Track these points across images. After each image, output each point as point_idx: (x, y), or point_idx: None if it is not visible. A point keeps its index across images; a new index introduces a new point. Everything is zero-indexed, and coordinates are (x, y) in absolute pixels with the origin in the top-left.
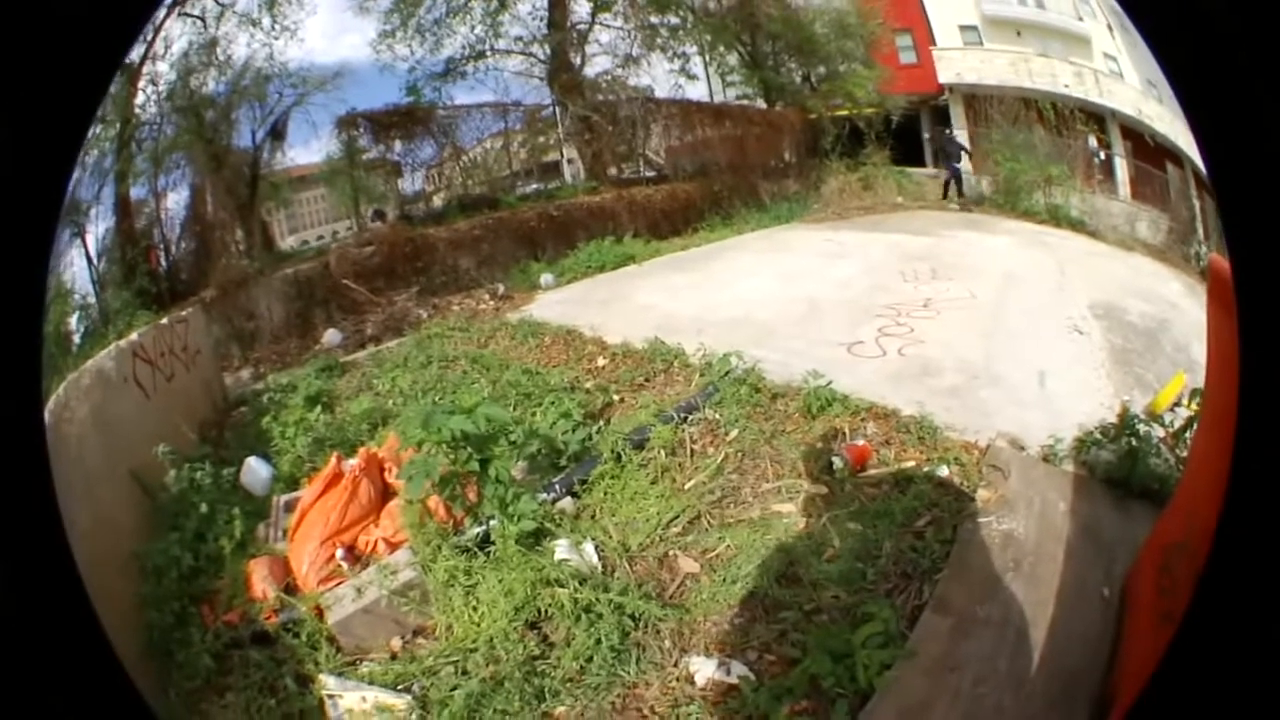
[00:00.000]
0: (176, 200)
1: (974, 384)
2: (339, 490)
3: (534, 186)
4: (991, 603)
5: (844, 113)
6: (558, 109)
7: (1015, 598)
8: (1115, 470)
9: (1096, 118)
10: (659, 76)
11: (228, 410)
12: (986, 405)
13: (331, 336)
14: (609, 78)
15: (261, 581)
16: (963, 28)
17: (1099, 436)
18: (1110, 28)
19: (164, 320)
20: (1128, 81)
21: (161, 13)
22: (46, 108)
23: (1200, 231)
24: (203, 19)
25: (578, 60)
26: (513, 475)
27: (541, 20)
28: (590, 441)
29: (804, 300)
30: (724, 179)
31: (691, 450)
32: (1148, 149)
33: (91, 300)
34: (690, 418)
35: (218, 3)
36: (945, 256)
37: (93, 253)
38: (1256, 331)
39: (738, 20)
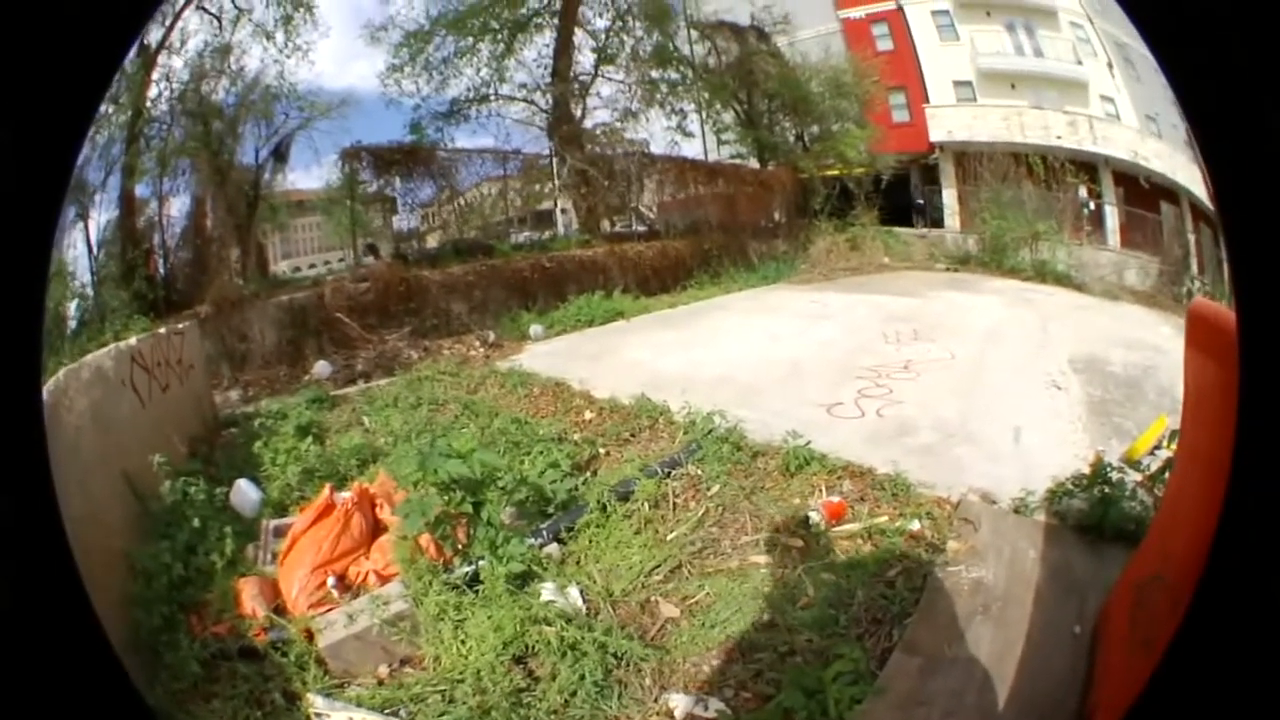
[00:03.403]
0: (179, 207)
1: (948, 442)
2: (331, 521)
3: (527, 235)
4: (960, 643)
5: (834, 172)
6: (556, 159)
7: (984, 638)
8: (1086, 517)
9: (1088, 167)
10: (656, 133)
11: (217, 429)
12: (960, 462)
13: (322, 368)
14: (608, 130)
15: (251, 600)
16: (957, 83)
17: (1070, 487)
18: (1110, 65)
19: (162, 330)
20: (1125, 122)
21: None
22: (59, 75)
23: (1194, 267)
24: (219, 19)
25: (578, 112)
26: (503, 519)
27: (546, 69)
28: (577, 491)
29: (787, 361)
30: (714, 237)
31: (674, 503)
32: (1141, 192)
33: (89, 291)
34: (674, 473)
35: (235, 6)
36: (928, 317)
37: (94, 240)
38: (1259, 349)
39: (736, 77)
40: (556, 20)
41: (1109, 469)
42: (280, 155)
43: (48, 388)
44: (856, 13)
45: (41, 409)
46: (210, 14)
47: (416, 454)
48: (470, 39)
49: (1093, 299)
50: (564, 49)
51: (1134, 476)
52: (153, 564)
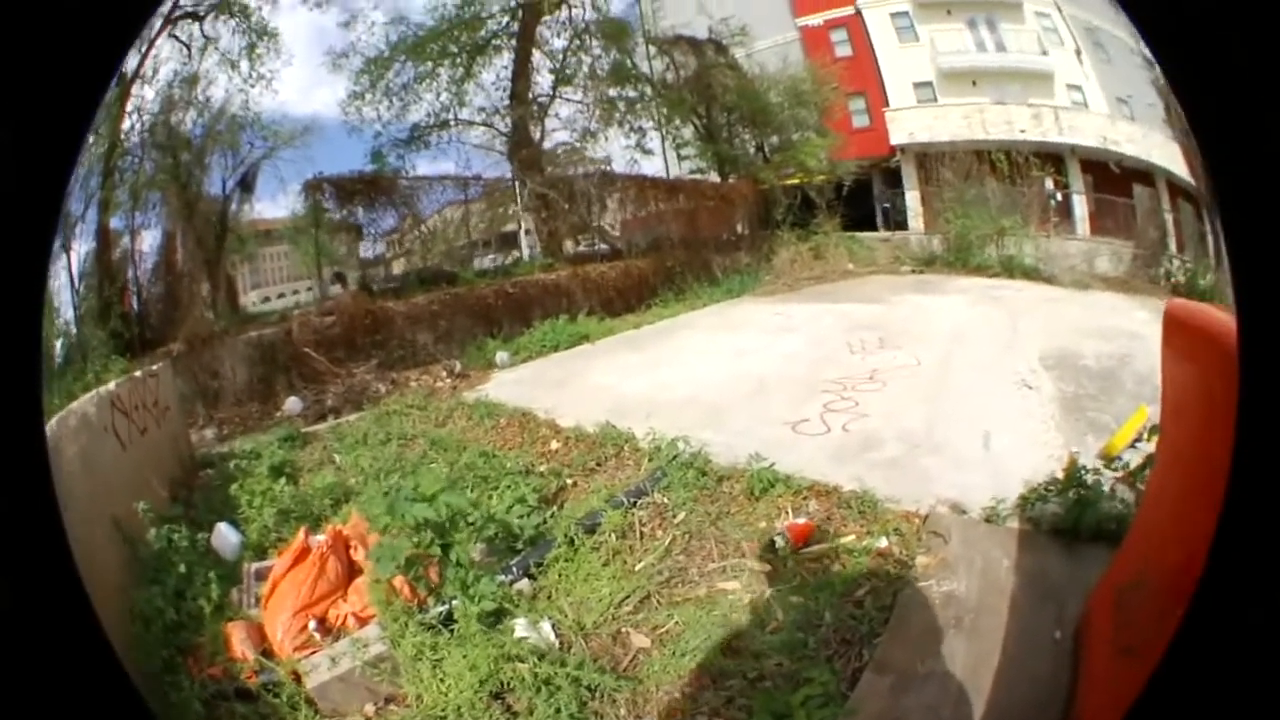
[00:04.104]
0: (150, 241)
1: (915, 453)
2: (308, 565)
3: (493, 257)
4: (933, 659)
5: (795, 181)
6: (517, 182)
7: (958, 652)
8: (1062, 521)
9: (1054, 158)
10: (616, 151)
11: (195, 470)
12: (928, 473)
13: (292, 404)
14: (567, 152)
15: (240, 644)
16: (917, 85)
17: (1044, 491)
18: (1079, 52)
19: (138, 373)
20: (1093, 109)
21: (157, 24)
22: (48, 101)
23: (1172, 246)
24: (189, 47)
25: (538, 134)
26: (472, 558)
27: (504, 91)
28: (545, 526)
29: (752, 378)
30: (677, 254)
31: (641, 533)
32: (1111, 178)
33: (72, 329)
34: (639, 502)
35: (203, 34)
36: (893, 324)
37: (75, 274)
38: (1258, 338)
39: (694, 92)
40: (514, 42)
41: (1083, 472)
42: (246, 185)
43: (49, 424)
44: (815, 20)
45: (45, 444)
46: (180, 41)
47: (384, 497)
48: (429, 63)
49: (1063, 290)
50: (522, 71)
51: (1111, 475)
52: (148, 608)
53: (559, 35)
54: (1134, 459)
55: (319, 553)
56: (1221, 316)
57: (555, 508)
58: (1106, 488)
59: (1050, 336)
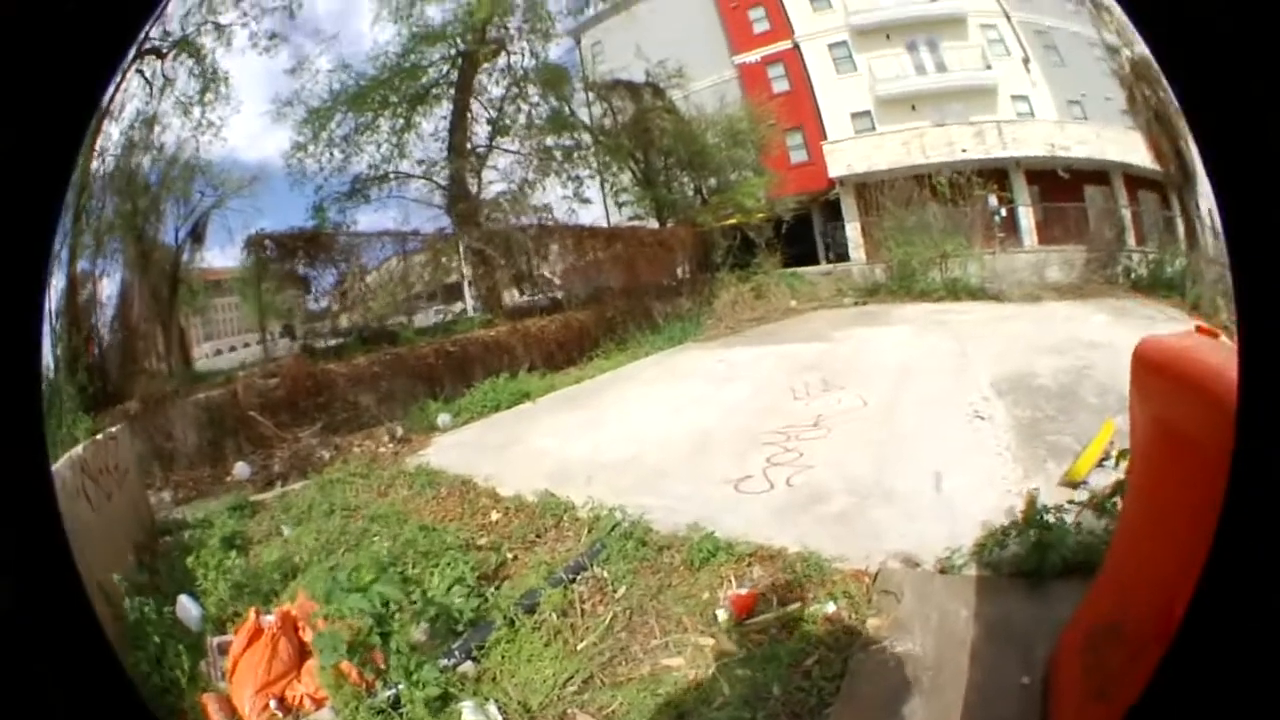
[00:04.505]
0: (110, 289)
1: (864, 505)
2: (261, 646)
3: (437, 309)
4: None
5: (734, 221)
6: (457, 235)
7: (916, 712)
8: (1024, 563)
9: (999, 173)
10: (554, 201)
11: (155, 535)
12: (878, 526)
13: (241, 469)
14: (505, 202)
15: (215, 715)
16: (855, 115)
17: (1001, 536)
18: (1026, 60)
19: (100, 435)
20: (1040, 117)
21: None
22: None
23: (1131, 240)
24: (150, 85)
25: (475, 186)
26: (413, 643)
27: (443, 143)
28: (485, 606)
29: (693, 434)
30: (617, 303)
31: (582, 610)
32: (1060, 184)
33: (51, 375)
34: (580, 577)
35: (163, 74)
36: (837, 362)
37: (54, 311)
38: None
39: (632, 137)
40: (453, 92)
41: (1044, 511)
42: (197, 235)
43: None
44: (752, 57)
45: (46, 445)
46: (145, 78)
47: (325, 581)
48: (370, 114)
49: (1012, 307)
50: (460, 122)
51: (1076, 506)
52: (135, 672)
53: (498, 84)
54: (1102, 479)
55: (270, 634)
56: (1198, 355)
57: (495, 585)
58: (1071, 519)
59: (1001, 359)
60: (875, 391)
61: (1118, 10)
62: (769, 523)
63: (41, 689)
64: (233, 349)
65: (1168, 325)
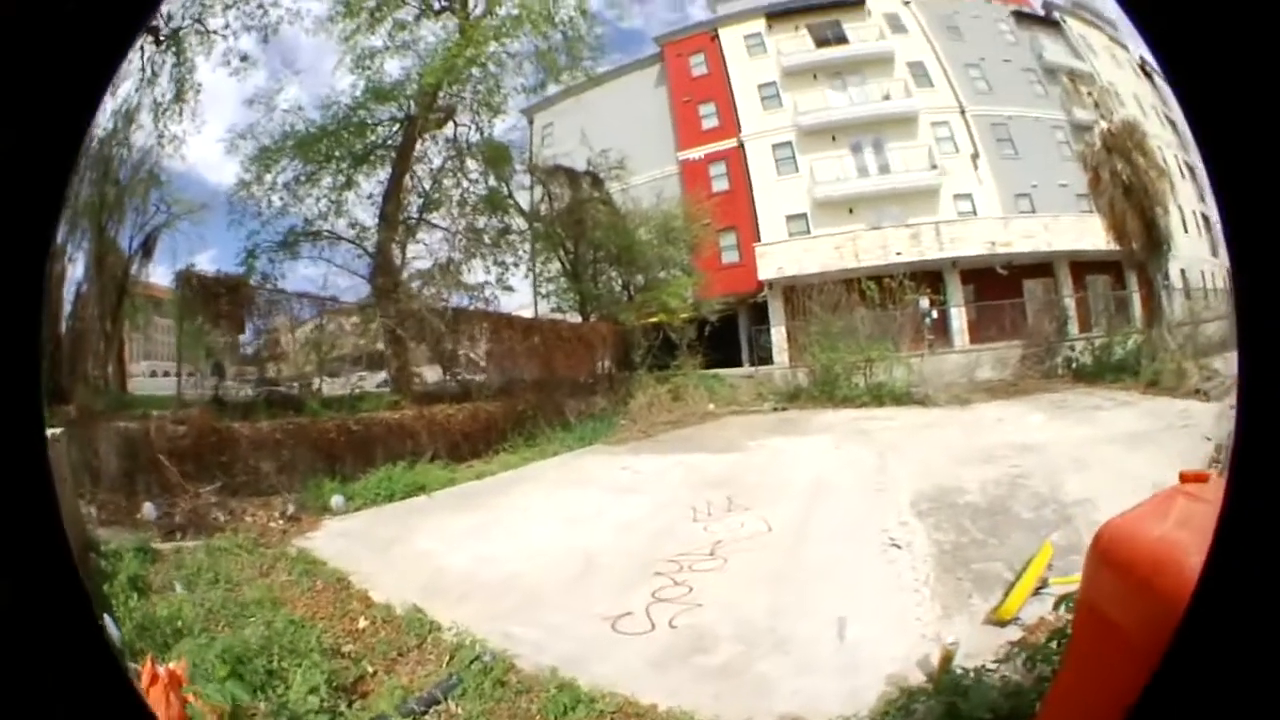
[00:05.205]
0: (73, 277)
1: (753, 655)
2: (157, 693)
3: (359, 374)
4: None
5: (657, 320)
6: (373, 310)
7: None
8: None
9: (933, 275)
10: (477, 285)
11: (86, 548)
12: (766, 681)
13: (149, 510)
14: (426, 281)
15: None
16: (790, 217)
17: (908, 701)
18: (976, 156)
19: (49, 432)
20: (984, 214)
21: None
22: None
23: (1074, 329)
24: (143, 69)
25: (400, 259)
26: None
27: (377, 208)
28: None
29: (581, 554)
30: (529, 397)
31: None
32: (997, 281)
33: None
34: (431, 710)
35: (151, 65)
36: (747, 477)
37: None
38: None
39: (565, 226)
40: (394, 156)
41: (959, 674)
42: (147, 249)
43: None
44: (696, 153)
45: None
46: (141, 59)
47: (193, 660)
48: (315, 164)
49: (939, 412)
50: (395, 190)
51: (998, 665)
52: None
53: (440, 154)
54: (1039, 608)
55: (162, 685)
56: (1166, 551)
57: (349, 702)
58: (997, 677)
59: (925, 473)
60: (782, 514)
61: (1103, 79)
62: (643, 672)
63: (41, 688)
64: (166, 374)
65: (1117, 411)
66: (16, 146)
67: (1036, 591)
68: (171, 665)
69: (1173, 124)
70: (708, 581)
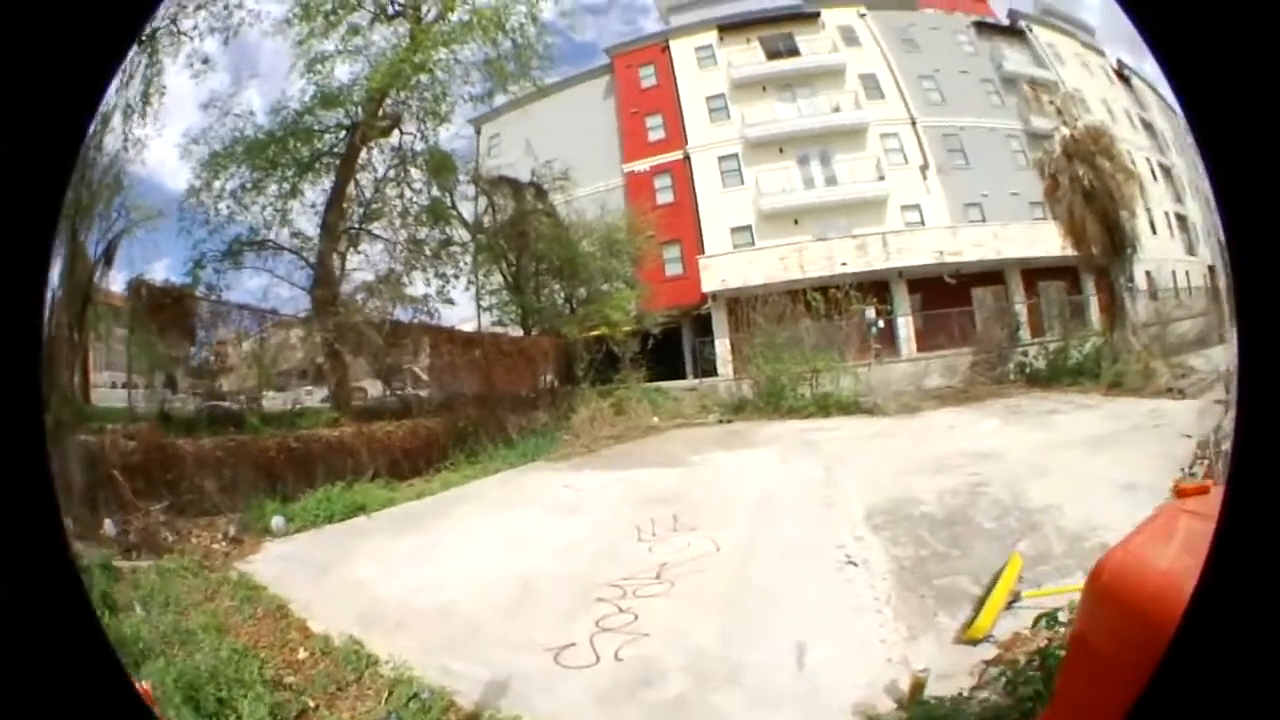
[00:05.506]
0: (50, 285)
1: (706, 687)
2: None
3: (306, 388)
4: None
5: (600, 333)
6: (311, 322)
7: None
8: None
9: (879, 285)
10: (417, 297)
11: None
12: (721, 714)
13: (109, 526)
14: (369, 292)
15: None
16: (735, 229)
17: None
18: (925, 167)
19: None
20: (931, 224)
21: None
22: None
23: (1026, 334)
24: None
25: (339, 270)
26: None
27: (319, 218)
28: None
29: (520, 580)
30: (470, 413)
31: None
32: (945, 290)
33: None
34: None
35: (128, 69)
36: (692, 493)
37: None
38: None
39: (508, 238)
40: (338, 164)
41: (938, 706)
42: (109, 256)
43: None
44: (641, 165)
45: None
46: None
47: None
48: (262, 172)
49: (888, 421)
50: (337, 200)
51: (972, 685)
52: None
53: (385, 162)
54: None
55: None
56: (1175, 586)
57: None
58: (975, 704)
59: (877, 485)
60: (730, 533)
61: (1068, 85)
62: (588, 709)
63: (41, 688)
64: (125, 386)
65: (1076, 414)
66: (16, 147)
67: (1009, 606)
68: (145, 684)
69: (1148, 127)
70: (654, 608)
